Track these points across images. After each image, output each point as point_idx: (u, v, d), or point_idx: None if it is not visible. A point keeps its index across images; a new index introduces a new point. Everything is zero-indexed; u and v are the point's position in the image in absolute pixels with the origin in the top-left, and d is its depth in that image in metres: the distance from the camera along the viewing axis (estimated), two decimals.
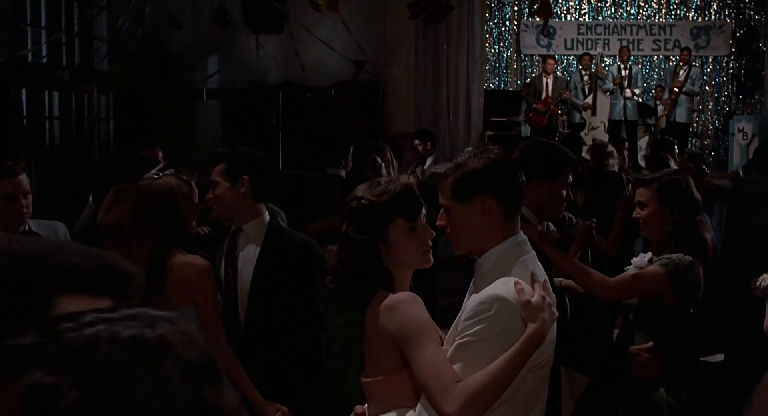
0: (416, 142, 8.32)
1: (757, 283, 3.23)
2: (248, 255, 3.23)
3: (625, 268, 3.06)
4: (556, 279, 2.79)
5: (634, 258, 3.06)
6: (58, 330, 0.88)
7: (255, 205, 3.27)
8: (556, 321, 2.09)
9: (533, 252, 2.21)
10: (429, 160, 8.12)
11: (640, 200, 3.05)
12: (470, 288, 2.19)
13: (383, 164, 6.03)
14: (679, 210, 3.01)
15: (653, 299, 2.95)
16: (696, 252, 2.94)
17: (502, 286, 2.03)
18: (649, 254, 3.05)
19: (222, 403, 0.88)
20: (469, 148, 2.22)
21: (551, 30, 13.38)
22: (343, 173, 6.24)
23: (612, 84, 12.60)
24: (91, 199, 7.22)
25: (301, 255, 3.23)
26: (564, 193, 3.01)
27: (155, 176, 3.15)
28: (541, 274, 2.15)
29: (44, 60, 10.58)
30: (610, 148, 6.21)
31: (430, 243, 2.23)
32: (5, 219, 3.25)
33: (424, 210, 2.21)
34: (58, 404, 0.83)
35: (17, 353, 0.90)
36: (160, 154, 6.05)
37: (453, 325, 2.13)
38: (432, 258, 2.23)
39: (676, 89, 12.07)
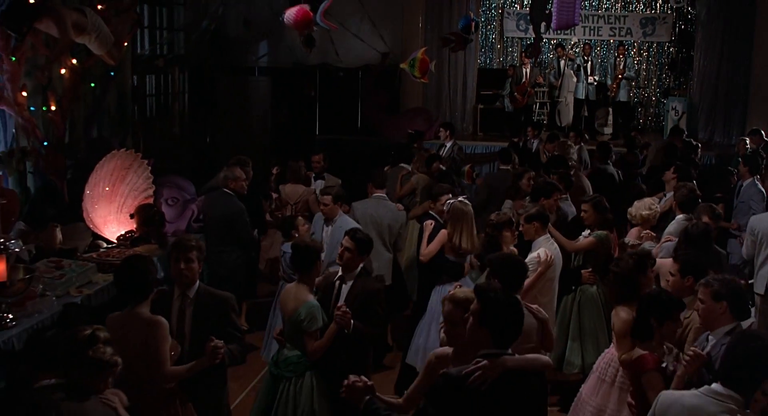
0: (440, 130, 11.93)
1: (625, 241, 7.05)
2: None
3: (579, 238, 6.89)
4: None
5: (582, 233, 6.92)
6: None
7: None
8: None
9: (552, 240, 6.06)
10: (448, 144, 11.74)
11: (585, 209, 6.83)
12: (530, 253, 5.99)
13: None
14: (602, 212, 6.76)
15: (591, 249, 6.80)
16: (608, 228, 6.78)
17: (539, 251, 5.87)
18: (587, 231, 6.86)
19: None
20: (530, 205, 6.01)
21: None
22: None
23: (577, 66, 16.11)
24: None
25: None
26: (553, 203, 6.92)
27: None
28: (557, 248, 6.02)
29: (147, 52, 13.78)
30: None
31: None
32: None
33: None
34: None
35: None
36: (322, 157, 9.42)
37: None
38: None
39: (619, 76, 15.71)
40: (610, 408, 4.69)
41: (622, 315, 4.68)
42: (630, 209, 6.99)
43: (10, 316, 5.37)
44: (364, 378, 3.66)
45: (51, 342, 3.87)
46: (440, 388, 3.46)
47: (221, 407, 5.07)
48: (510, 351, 3.51)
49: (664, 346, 4.31)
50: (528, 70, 15.48)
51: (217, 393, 4.95)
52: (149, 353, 4.44)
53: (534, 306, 4.71)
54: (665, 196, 8.47)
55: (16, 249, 5.39)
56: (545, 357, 3.86)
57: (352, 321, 5.06)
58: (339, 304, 5.16)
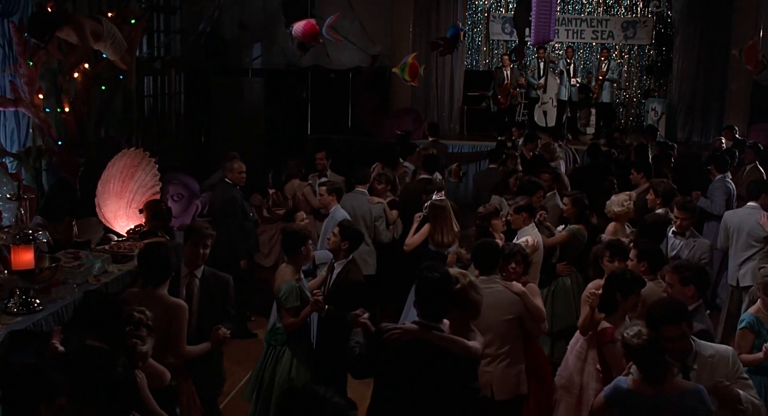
0: (428, 133, 12.56)
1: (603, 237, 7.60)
2: None
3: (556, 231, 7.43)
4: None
5: (558, 227, 7.46)
6: None
7: None
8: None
9: (537, 229, 6.71)
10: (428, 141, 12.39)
11: (565, 202, 7.39)
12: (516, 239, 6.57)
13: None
14: (581, 208, 7.33)
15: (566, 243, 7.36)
16: (583, 223, 7.33)
17: (527, 237, 6.49)
18: (562, 226, 7.41)
19: None
20: (519, 198, 6.67)
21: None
22: (412, 167, 10.27)
23: (560, 69, 16.66)
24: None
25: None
26: (536, 200, 7.52)
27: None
28: (539, 236, 6.65)
29: (146, 54, 14.25)
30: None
31: None
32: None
33: None
34: None
35: None
36: (324, 154, 9.84)
37: None
38: None
39: (600, 78, 16.27)
40: (566, 377, 5.28)
41: (589, 286, 5.36)
42: (607, 203, 7.43)
43: (38, 301, 5.80)
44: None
45: (101, 305, 4.32)
46: (372, 337, 4.15)
47: (219, 379, 5.79)
48: (442, 326, 4.00)
49: (627, 318, 4.90)
50: (509, 72, 16.03)
51: (213, 366, 5.60)
52: (170, 333, 4.91)
53: (512, 283, 5.30)
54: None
55: (44, 240, 5.89)
56: (473, 343, 4.05)
57: (326, 306, 5.62)
58: (315, 291, 5.80)
